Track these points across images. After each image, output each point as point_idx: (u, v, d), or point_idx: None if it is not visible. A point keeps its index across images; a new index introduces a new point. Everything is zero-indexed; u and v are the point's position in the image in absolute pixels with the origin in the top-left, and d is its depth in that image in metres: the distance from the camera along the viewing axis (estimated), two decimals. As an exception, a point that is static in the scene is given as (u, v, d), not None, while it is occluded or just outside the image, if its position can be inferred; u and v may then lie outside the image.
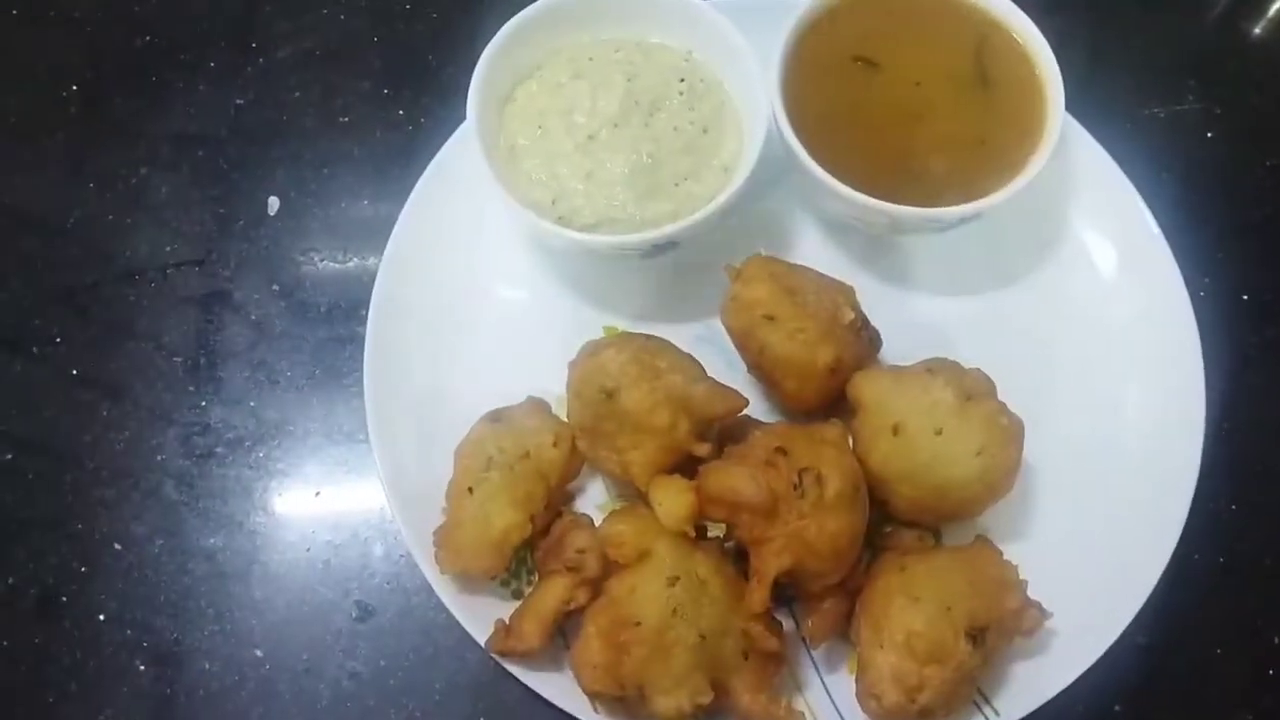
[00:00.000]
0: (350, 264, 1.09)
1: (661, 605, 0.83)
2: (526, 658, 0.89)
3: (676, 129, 0.97)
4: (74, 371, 1.05)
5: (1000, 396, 0.88)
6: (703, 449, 0.88)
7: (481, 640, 0.90)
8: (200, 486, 1.01)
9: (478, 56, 0.98)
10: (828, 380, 0.91)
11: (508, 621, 0.89)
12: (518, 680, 0.89)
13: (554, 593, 0.88)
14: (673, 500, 0.85)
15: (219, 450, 1.02)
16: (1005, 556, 0.90)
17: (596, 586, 0.87)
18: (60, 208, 1.12)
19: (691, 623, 0.83)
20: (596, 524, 0.91)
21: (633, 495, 0.93)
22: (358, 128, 1.15)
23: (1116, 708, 0.94)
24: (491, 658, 0.89)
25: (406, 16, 1.21)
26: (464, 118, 0.97)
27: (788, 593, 0.91)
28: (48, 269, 1.09)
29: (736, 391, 0.90)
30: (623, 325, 1.01)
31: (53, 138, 1.16)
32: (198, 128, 1.16)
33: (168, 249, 1.10)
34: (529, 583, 0.93)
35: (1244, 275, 1.08)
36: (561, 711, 0.89)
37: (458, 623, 0.91)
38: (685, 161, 0.97)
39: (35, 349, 1.06)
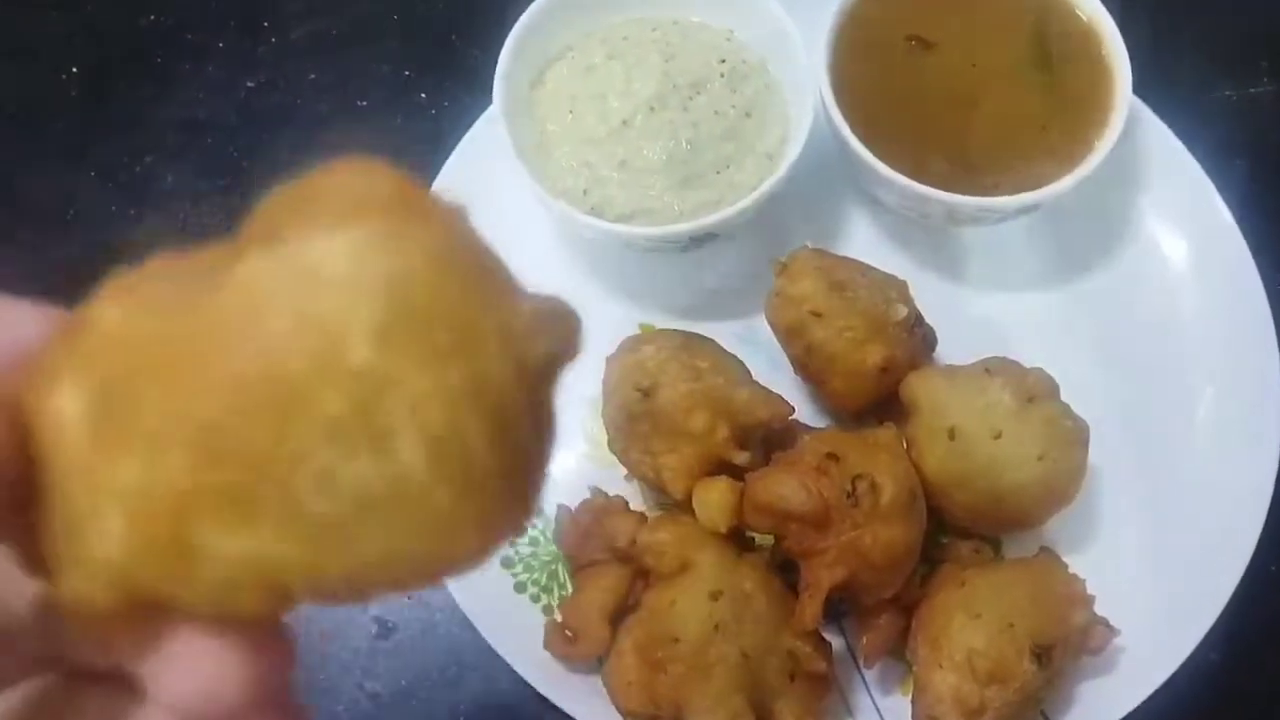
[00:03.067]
0: None
1: (703, 621, 0.82)
2: (587, 658, 0.89)
3: (717, 113, 0.97)
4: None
5: (1063, 398, 0.88)
6: (741, 457, 0.87)
7: (508, 656, 0.89)
8: (210, 495, 1.01)
9: (505, 36, 0.97)
10: (879, 380, 0.90)
11: (560, 622, 0.89)
12: (544, 699, 0.89)
13: (608, 585, 0.87)
14: (717, 498, 0.85)
15: (230, 457, 1.02)
16: (1069, 568, 0.89)
17: (647, 577, 0.87)
18: (60, 199, 1.12)
19: (734, 640, 0.83)
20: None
21: (667, 503, 0.93)
22: (377, 113, 1.15)
23: (1189, 730, 0.93)
24: (515, 677, 0.89)
25: (428, -6, 1.21)
26: (490, 102, 0.97)
27: (839, 608, 0.90)
28: (47, 265, 1.08)
29: (782, 398, 0.90)
30: (660, 322, 1.01)
31: (52, 124, 1.15)
32: (206, 114, 1.15)
33: (174, 243, 1.08)
34: (559, 597, 0.93)
35: (1324, 270, 1.07)
36: (593, 732, 0.88)
37: (483, 641, 0.90)
38: (726, 148, 0.96)
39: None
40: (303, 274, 0.31)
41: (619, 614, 0.88)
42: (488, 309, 0.32)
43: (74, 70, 1.18)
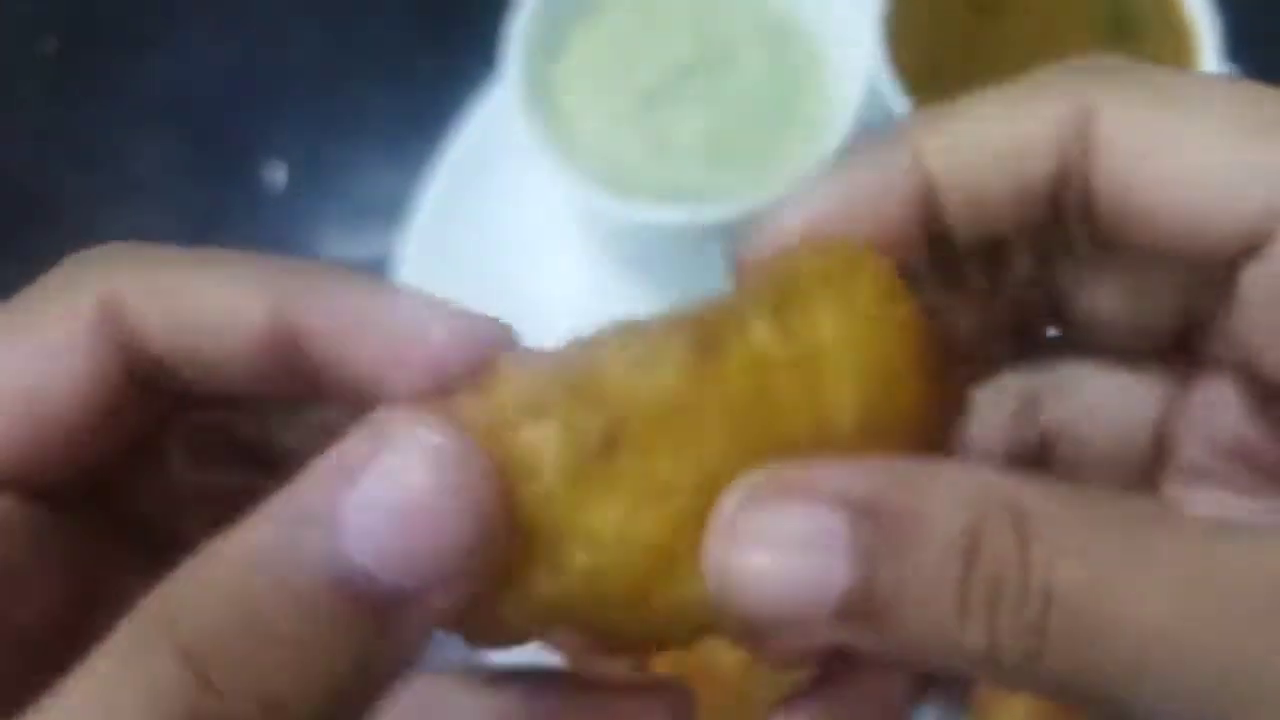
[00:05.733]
0: (369, 247, 1.05)
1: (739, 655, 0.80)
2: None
3: (757, 84, 0.94)
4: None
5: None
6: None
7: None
8: (198, 509, 0.99)
9: (519, -1, 0.95)
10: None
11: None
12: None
13: None
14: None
15: (220, 469, 1.00)
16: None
17: None
18: (31, 181, 1.10)
19: (774, 683, 0.80)
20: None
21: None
22: (377, 85, 1.12)
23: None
24: None
25: (436, -49, 1.18)
26: (501, 73, 0.94)
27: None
28: (16, 253, 1.03)
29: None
30: (692, 322, 0.98)
31: (23, 99, 1.14)
32: (191, 86, 1.13)
33: (156, 230, 1.04)
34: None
35: None
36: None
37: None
38: (768, 123, 0.93)
39: (3, 347, 1.03)
40: (809, 351, 0.34)
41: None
42: (937, 396, 0.36)
43: (47, 37, 1.15)
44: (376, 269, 1.02)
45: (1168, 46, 0.94)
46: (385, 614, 0.31)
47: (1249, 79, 0.91)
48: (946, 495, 0.31)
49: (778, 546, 0.32)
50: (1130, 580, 0.30)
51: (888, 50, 0.92)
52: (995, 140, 0.37)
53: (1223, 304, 0.36)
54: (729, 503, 0.33)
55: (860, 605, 0.31)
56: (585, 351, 0.35)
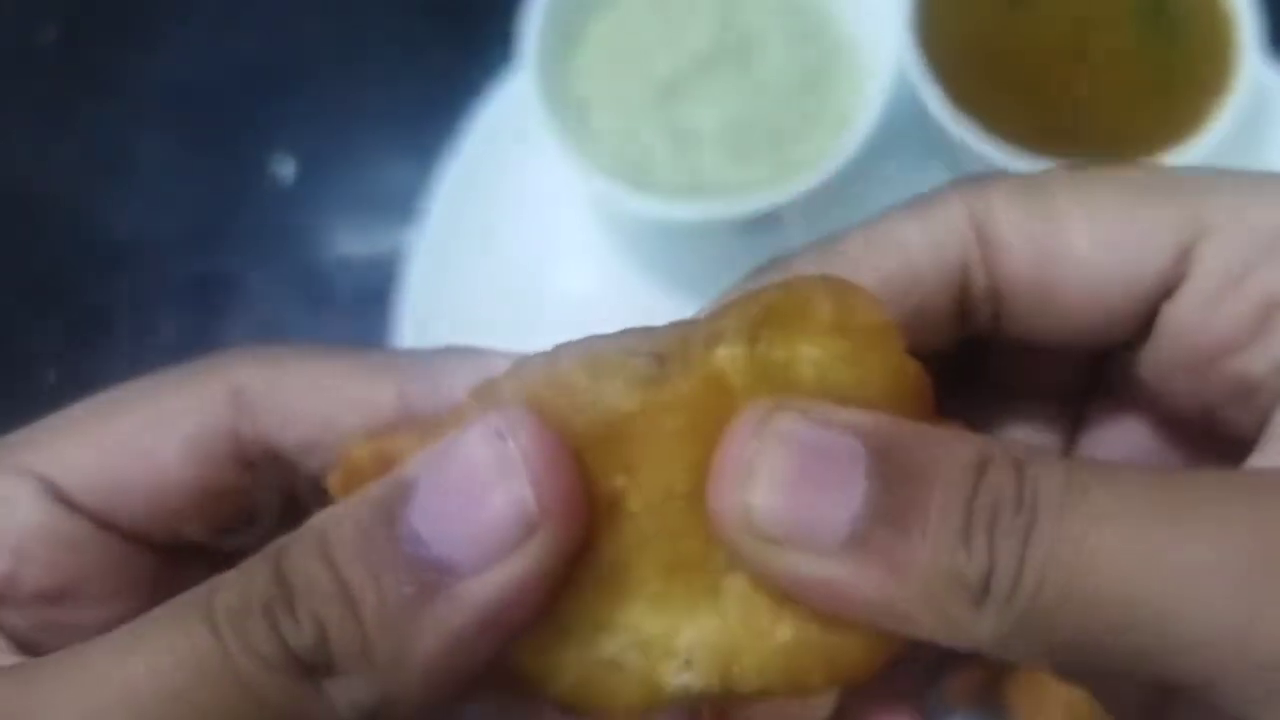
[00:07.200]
0: (381, 243, 1.05)
1: None
2: None
3: (780, 75, 0.92)
4: (50, 375, 1.03)
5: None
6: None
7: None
8: (201, 513, 0.98)
9: (534, -14, 0.93)
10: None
11: None
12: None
13: None
14: None
15: (223, 470, 0.99)
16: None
17: None
18: (31, 176, 1.10)
19: None
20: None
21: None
22: (389, 76, 1.11)
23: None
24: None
25: (448, -61, 1.17)
26: (516, 63, 0.94)
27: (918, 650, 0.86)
28: (15, 251, 1.06)
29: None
30: (712, 319, 0.97)
31: (23, 91, 1.13)
32: (196, 78, 1.12)
33: (160, 225, 1.07)
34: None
35: None
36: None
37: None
38: (791, 115, 0.92)
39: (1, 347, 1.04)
40: (774, 374, 0.34)
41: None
42: None
43: (49, 28, 1.14)
44: (387, 265, 1.01)
45: (1206, 36, 0.93)
46: (433, 587, 0.32)
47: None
48: (955, 443, 0.33)
49: (800, 452, 0.33)
50: (1107, 502, 0.31)
51: (917, 41, 0.90)
52: (889, 266, 0.39)
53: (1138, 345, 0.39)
54: (741, 425, 0.34)
55: (872, 529, 0.32)
56: (547, 364, 0.35)
